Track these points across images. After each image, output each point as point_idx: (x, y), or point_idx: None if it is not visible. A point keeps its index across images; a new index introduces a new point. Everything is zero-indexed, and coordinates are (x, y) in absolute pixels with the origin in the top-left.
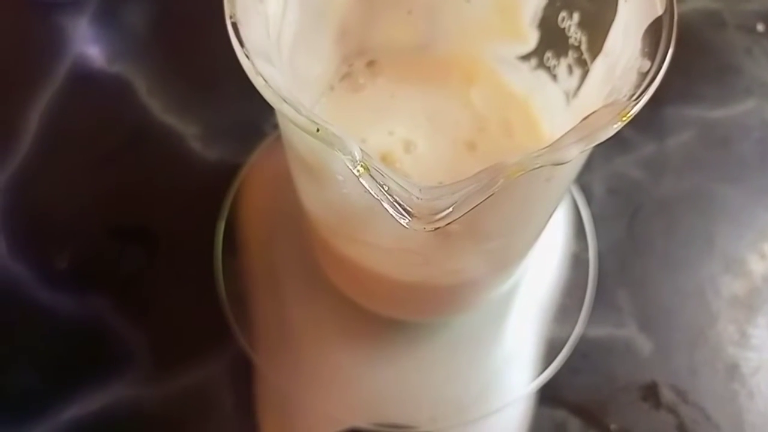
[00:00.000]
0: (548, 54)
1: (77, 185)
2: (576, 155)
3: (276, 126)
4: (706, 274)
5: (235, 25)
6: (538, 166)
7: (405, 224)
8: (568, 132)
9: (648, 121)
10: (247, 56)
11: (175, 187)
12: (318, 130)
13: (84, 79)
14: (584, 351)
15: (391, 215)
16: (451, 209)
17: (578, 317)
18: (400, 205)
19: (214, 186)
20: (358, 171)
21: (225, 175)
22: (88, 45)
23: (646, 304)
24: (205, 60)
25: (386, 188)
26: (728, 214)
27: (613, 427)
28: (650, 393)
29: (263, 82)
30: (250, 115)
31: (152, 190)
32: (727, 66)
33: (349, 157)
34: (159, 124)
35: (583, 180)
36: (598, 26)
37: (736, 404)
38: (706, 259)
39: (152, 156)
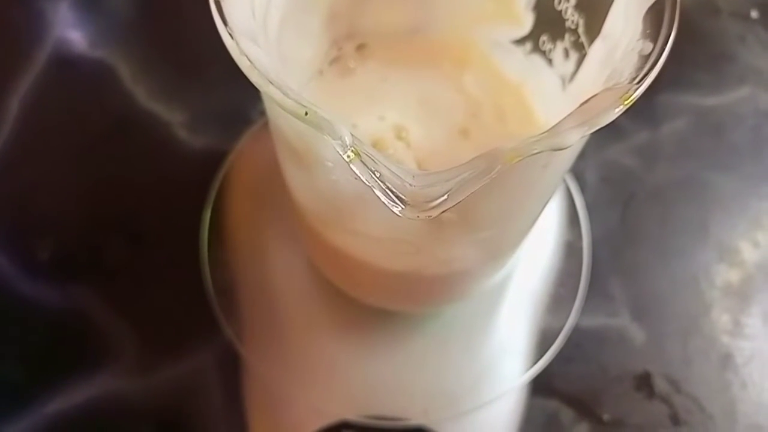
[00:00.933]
0: (544, 38)
1: (59, 174)
2: (576, 140)
3: (263, 112)
4: (700, 263)
5: (218, 3)
6: (536, 151)
7: (398, 212)
8: (567, 116)
9: (641, 109)
10: (231, 36)
11: (160, 176)
12: (306, 114)
13: (65, 64)
14: (577, 341)
15: (384, 203)
16: (445, 197)
17: (572, 307)
18: (392, 192)
19: (200, 174)
20: (348, 156)
21: (211, 163)
22: (69, 29)
23: (639, 293)
24: (191, 45)
25: (378, 175)
26: (722, 203)
27: (605, 417)
28: (643, 383)
29: (248, 63)
30: (237, 102)
31: (137, 178)
32: (721, 53)
33: (339, 142)
34: (143, 112)
35: (575, 168)
36: (596, 8)
37: (730, 394)
38: (700, 248)
39: (136, 144)
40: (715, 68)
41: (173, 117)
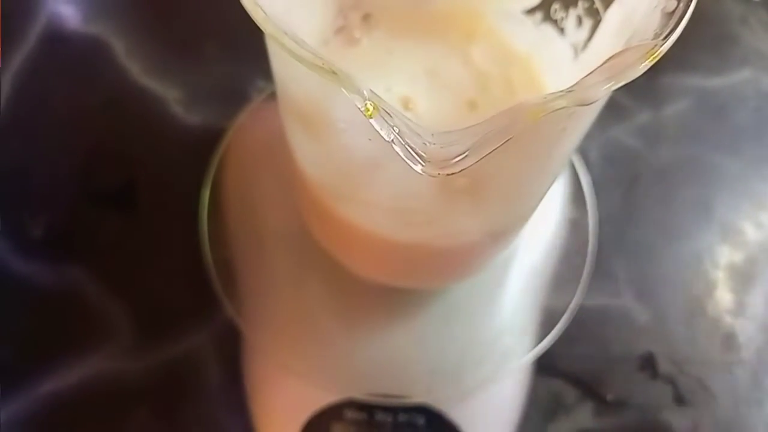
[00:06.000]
0: (555, 6)
1: (53, 150)
2: (602, 95)
3: (261, 90)
4: (704, 244)
5: None
6: (561, 107)
7: (419, 170)
8: (593, 71)
9: (644, 89)
10: None
11: (155, 153)
12: (323, 65)
13: (58, 40)
14: (580, 320)
15: (403, 160)
16: (466, 153)
17: (577, 286)
18: (412, 149)
19: (197, 152)
20: (367, 111)
21: (208, 140)
22: (61, 4)
23: (642, 273)
24: (187, 19)
25: (397, 130)
26: (725, 184)
27: (609, 397)
28: (647, 363)
29: (263, 14)
30: (234, 78)
31: (132, 155)
32: (724, 35)
33: (357, 95)
34: (138, 88)
35: (580, 145)
36: None
37: (733, 374)
38: (704, 229)
39: (131, 120)
40: (717, 50)
41: (168, 93)
